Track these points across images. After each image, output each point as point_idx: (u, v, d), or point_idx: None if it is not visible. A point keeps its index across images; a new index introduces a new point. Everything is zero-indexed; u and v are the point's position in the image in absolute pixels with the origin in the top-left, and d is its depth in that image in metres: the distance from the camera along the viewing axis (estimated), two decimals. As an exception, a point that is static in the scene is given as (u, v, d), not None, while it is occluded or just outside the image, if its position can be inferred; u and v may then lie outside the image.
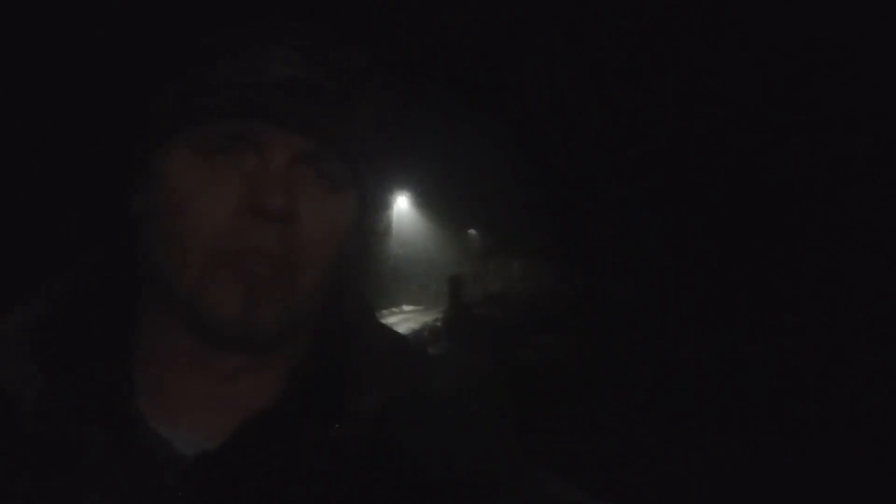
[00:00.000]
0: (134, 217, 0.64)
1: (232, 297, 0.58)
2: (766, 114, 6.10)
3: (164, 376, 0.62)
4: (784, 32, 5.85)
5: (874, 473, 4.07)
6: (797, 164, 6.04)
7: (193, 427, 0.60)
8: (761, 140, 6.15)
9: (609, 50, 6.94)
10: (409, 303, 16.74)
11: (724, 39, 6.15)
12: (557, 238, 9.39)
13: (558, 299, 9.38)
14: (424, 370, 0.70)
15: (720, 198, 6.69)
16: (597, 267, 8.44)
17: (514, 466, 0.69)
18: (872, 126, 5.64)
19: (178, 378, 0.62)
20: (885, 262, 5.76)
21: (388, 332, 0.73)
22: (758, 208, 6.47)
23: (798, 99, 6.02)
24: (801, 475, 4.27)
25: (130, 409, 0.61)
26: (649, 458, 4.58)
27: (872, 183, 5.74)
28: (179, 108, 0.60)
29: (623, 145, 7.56)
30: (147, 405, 0.61)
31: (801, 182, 6.11)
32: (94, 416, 0.59)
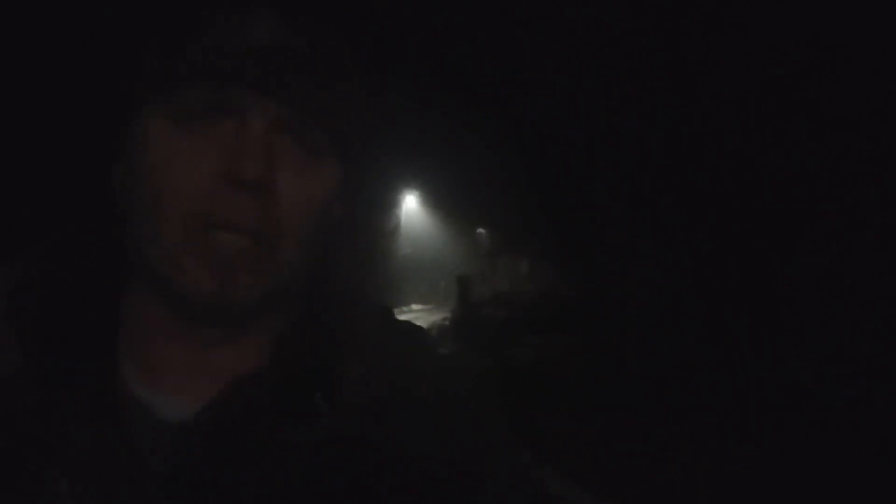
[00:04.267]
0: (114, 185, 0.63)
1: (206, 272, 0.57)
2: (771, 114, 6.08)
3: (145, 343, 0.61)
4: (784, 32, 5.83)
5: (874, 473, 4.06)
6: (798, 164, 6.02)
7: (175, 393, 0.60)
8: (764, 141, 6.14)
9: (615, 51, 6.94)
10: (417, 302, 16.68)
11: (733, 39, 6.14)
12: (563, 238, 9.36)
13: (562, 299, 9.36)
14: (415, 346, 0.69)
15: (723, 199, 6.68)
16: (600, 267, 8.42)
17: (506, 458, 0.68)
18: (872, 126, 5.62)
19: (159, 345, 0.61)
20: (884, 262, 5.74)
21: (378, 306, 0.72)
22: (761, 209, 6.45)
23: (798, 99, 6.00)
24: (801, 475, 4.26)
25: (111, 374, 0.60)
26: (649, 458, 4.57)
27: (872, 183, 5.72)
28: (158, 75, 0.59)
29: (627, 147, 7.54)
30: (129, 370, 0.60)
31: (802, 182, 6.08)
32: (75, 380, 0.58)
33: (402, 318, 0.77)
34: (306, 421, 0.60)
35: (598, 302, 8.33)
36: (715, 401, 5.60)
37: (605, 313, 8.16)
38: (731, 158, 6.53)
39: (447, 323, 11.32)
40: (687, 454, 4.55)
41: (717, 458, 4.50)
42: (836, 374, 5.74)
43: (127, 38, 0.64)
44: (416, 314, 14.17)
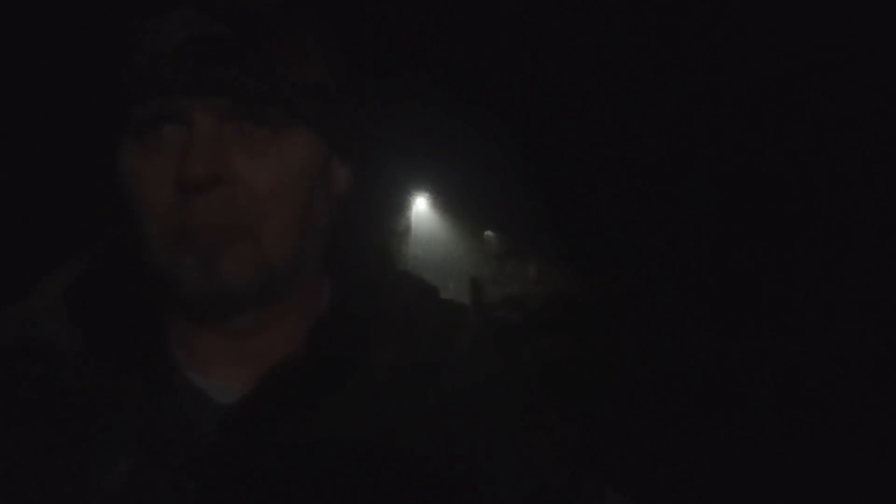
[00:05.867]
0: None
1: (192, 275, 0.59)
2: (781, 115, 6.07)
3: (190, 333, 0.64)
4: (784, 32, 5.81)
5: (874, 473, 4.04)
6: (801, 165, 6.00)
7: (223, 378, 0.63)
8: (774, 143, 6.13)
9: (624, 54, 6.93)
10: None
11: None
12: (571, 241, 9.36)
13: (572, 302, 9.35)
14: (453, 327, 0.69)
15: (731, 200, 6.66)
16: (608, 270, 8.40)
17: (529, 452, 0.67)
18: (873, 126, 5.60)
19: (200, 336, 0.64)
20: (885, 261, 5.72)
21: (415, 281, 0.73)
22: (765, 211, 6.43)
23: (800, 98, 5.98)
24: (801, 476, 4.24)
25: (166, 360, 0.63)
26: (649, 458, 4.56)
27: (873, 183, 5.70)
28: (117, 96, 0.61)
29: (634, 149, 7.53)
30: (182, 357, 0.64)
31: (804, 182, 6.06)
32: (133, 367, 0.62)
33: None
34: (341, 401, 0.62)
35: (607, 304, 8.32)
36: (719, 401, 5.58)
37: (614, 315, 8.14)
38: (737, 160, 6.51)
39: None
40: (694, 455, 4.54)
41: (718, 458, 4.49)
42: (838, 374, 5.72)
43: (88, 67, 0.67)
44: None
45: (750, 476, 4.41)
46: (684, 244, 7.52)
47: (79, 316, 0.64)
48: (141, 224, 0.61)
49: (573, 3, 7.12)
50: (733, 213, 6.90)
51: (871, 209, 5.79)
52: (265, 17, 0.61)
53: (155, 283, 0.64)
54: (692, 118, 6.91)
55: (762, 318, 6.70)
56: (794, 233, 6.42)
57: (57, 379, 0.62)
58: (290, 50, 0.62)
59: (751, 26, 5.92)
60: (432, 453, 0.63)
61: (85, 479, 0.59)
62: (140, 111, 0.60)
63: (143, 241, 0.62)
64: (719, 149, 6.73)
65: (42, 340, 0.63)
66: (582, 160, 8.63)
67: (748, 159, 6.54)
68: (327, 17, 0.65)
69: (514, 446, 0.66)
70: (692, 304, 7.36)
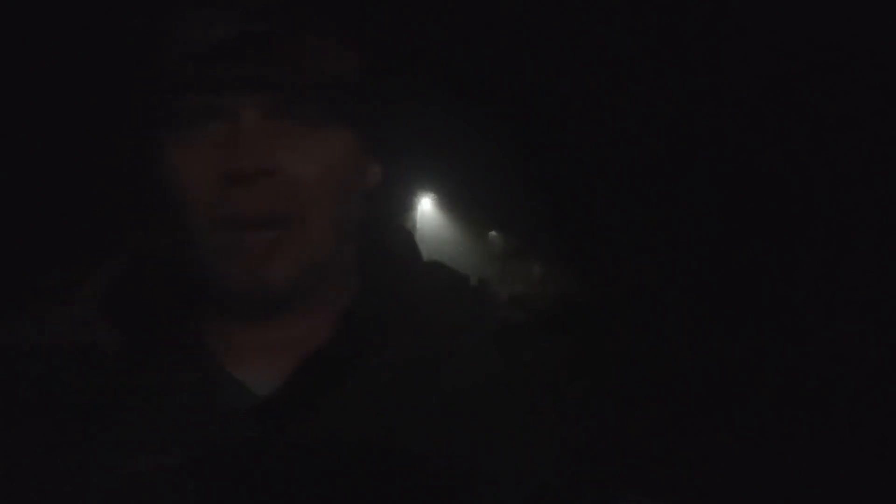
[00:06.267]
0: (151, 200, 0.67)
1: (240, 270, 0.62)
2: (781, 115, 6.08)
3: (227, 329, 0.68)
4: (784, 32, 5.81)
5: (874, 473, 4.05)
6: (803, 164, 6.00)
7: (260, 370, 0.66)
8: (774, 143, 6.13)
9: (629, 57, 6.95)
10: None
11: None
12: (576, 242, 9.35)
13: (576, 303, 9.36)
14: (480, 310, 0.75)
15: (730, 202, 6.66)
16: (612, 270, 8.40)
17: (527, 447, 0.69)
18: (873, 126, 5.60)
19: (237, 330, 0.68)
20: (885, 261, 5.71)
21: (445, 271, 0.76)
22: (766, 211, 6.43)
23: (801, 98, 5.97)
24: (801, 476, 4.25)
25: (206, 356, 0.67)
26: (649, 459, 4.57)
27: (873, 183, 5.69)
28: (158, 96, 0.63)
29: (637, 150, 7.54)
30: (219, 352, 0.67)
31: (809, 183, 6.06)
32: (174, 363, 0.65)
33: None
34: (369, 387, 0.65)
35: (611, 304, 8.32)
36: (720, 401, 5.58)
37: (619, 316, 8.14)
38: (741, 161, 6.51)
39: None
40: (694, 455, 4.55)
41: (718, 458, 4.49)
42: (839, 374, 5.71)
43: (129, 67, 0.68)
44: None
45: (750, 476, 4.42)
46: (688, 245, 7.53)
47: (118, 317, 0.67)
48: (184, 218, 0.63)
49: (576, 3, 7.14)
50: (736, 213, 6.90)
51: (872, 209, 5.79)
52: (306, 15, 0.63)
53: (196, 282, 0.67)
54: (694, 119, 6.92)
55: (765, 318, 6.70)
56: (794, 233, 6.42)
57: (101, 377, 0.65)
58: (330, 48, 0.65)
59: (751, 26, 5.92)
60: (441, 447, 0.66)
61: (136, 467, 0.62)
62: (183, 107, 0.62)
63: (186, 237, 0.64)
64: (722, 150, 6.73)
65: (84, 342, 0.66)
66: (586, 161, 8.63)
67: (753, 160, 6.54)
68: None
69: (516, 445, 0.68)
70: (695, 305, 7.36)
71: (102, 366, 0.65)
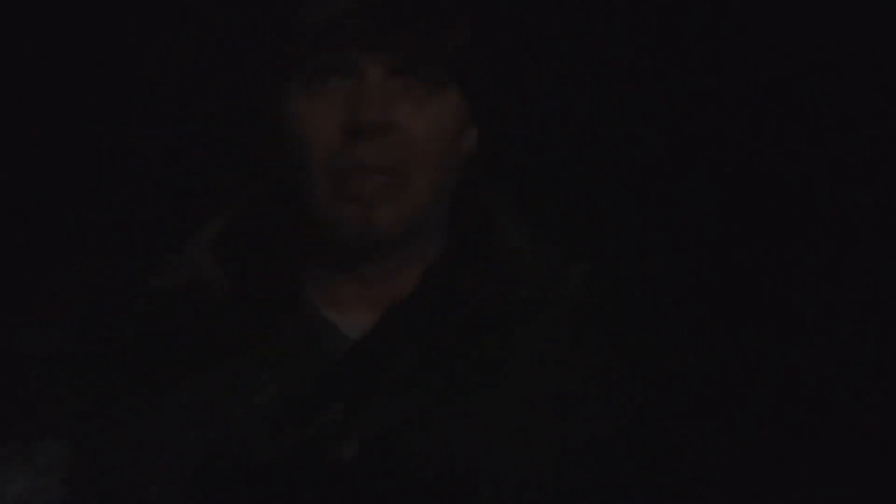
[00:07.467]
0: (260, 148, 0.73)
1: (351, 212, 0.66)
2: (781, 115, 6.09)
3: (326, 278, 0.72)
4: (784, 32, 5.81)
5: (875, 473, 4.06)
6: (804, 164, 6.00)
7: (354, 317, 0.70)
8: (775, 143, 6.15)
9: (627, 53, 6.94)
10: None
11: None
12: (579, 242, 9.32)
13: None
14: (563, 266, 0.77)
15: (732, 202, 6.66)
16: (615, 271, 8.36)
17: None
18: (873, 126, 5.60)
19: (336, 279, 0.72)
20: (886, 261, 5.70)
21: (528, 233, 0.78)
22: (767, 211, 6.42)
23: (802, 98, 5.98)
24: (801, 477, 4.27)
25: (305, 301, 0.71)
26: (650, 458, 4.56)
27: (873, 183, 5.69)
28: (281, 52, 0.67)
29: (636, 151, 7.53)
30: (319, 299, 0.71)
31: (809, 183, 6.05)
32: (277, 306, 0.70)
33: None
34: (448, 338, 0.69)
35: (613, 304, 8.32)
36: (721, 401, 5.58)
37: (618, 316, 8.13)
38: (743, 161, 6.53)
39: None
40: (694, 455, 4.55)
41: (719, 458, 4.51)
42: (841, 375, 5.73)
43: (251, 29, 0.74)
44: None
45: (750, 476, 4.44)
46: (689, 246, 7.54)
47: (226, 261, 0.72)
48: (302, 167, 0.67)
49: (576, 3, 7.13)
50: (738, 214, 6.93)
51: (872, 209, 5.81)
52: None
53: (308, 228, 0.71)
54: (695, 120, 6.95)
55: (765, 318, 6.72)
56: (794, 233, 6.44)
57: (212, 317, 0.70)
58: (451, 14, 0.69)
59: (751, 26, 5.96)
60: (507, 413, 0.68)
61: (240, 396, 0.67)
62: (311, 63, 0.66)
63: (302, 185, 0.68)
64: (723, 150, 6.76)
65: (197, 284, 0.71)
66: (588, 162, 8.62)
67: (754, 160, 6.57)
68: None
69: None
70: (695, 305, 7.37)
71: (211, 306, 0.70)
